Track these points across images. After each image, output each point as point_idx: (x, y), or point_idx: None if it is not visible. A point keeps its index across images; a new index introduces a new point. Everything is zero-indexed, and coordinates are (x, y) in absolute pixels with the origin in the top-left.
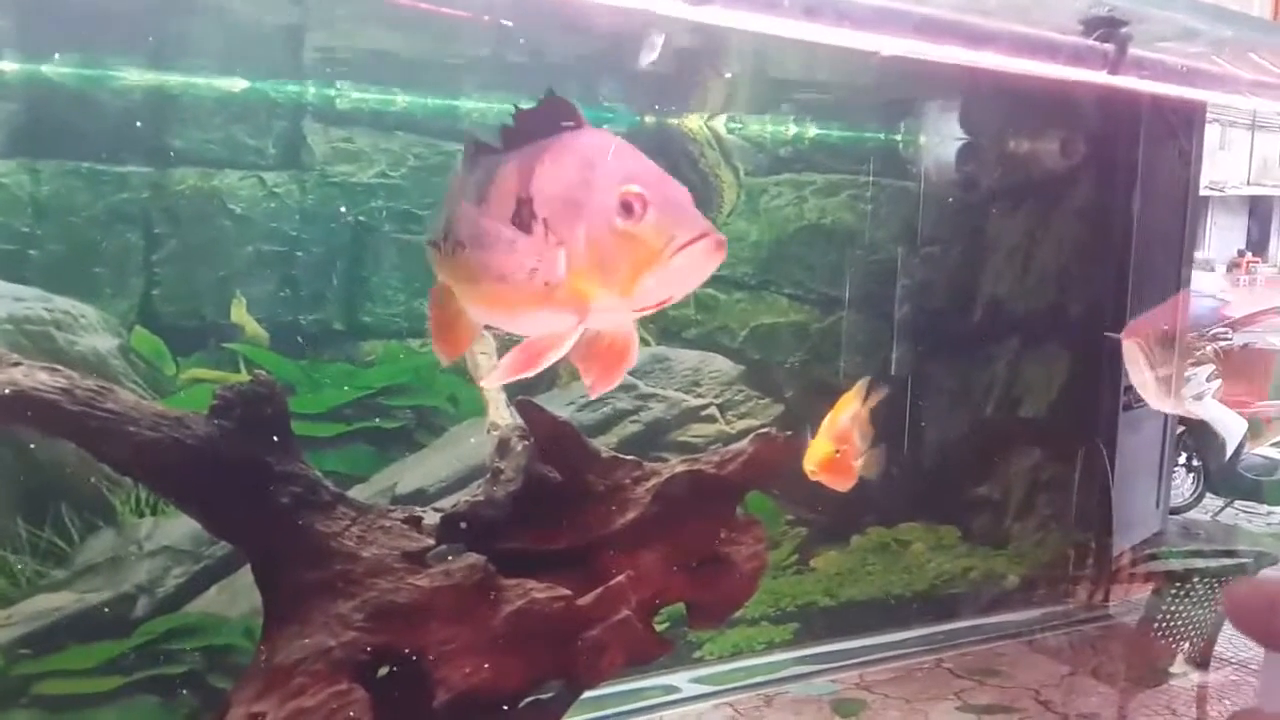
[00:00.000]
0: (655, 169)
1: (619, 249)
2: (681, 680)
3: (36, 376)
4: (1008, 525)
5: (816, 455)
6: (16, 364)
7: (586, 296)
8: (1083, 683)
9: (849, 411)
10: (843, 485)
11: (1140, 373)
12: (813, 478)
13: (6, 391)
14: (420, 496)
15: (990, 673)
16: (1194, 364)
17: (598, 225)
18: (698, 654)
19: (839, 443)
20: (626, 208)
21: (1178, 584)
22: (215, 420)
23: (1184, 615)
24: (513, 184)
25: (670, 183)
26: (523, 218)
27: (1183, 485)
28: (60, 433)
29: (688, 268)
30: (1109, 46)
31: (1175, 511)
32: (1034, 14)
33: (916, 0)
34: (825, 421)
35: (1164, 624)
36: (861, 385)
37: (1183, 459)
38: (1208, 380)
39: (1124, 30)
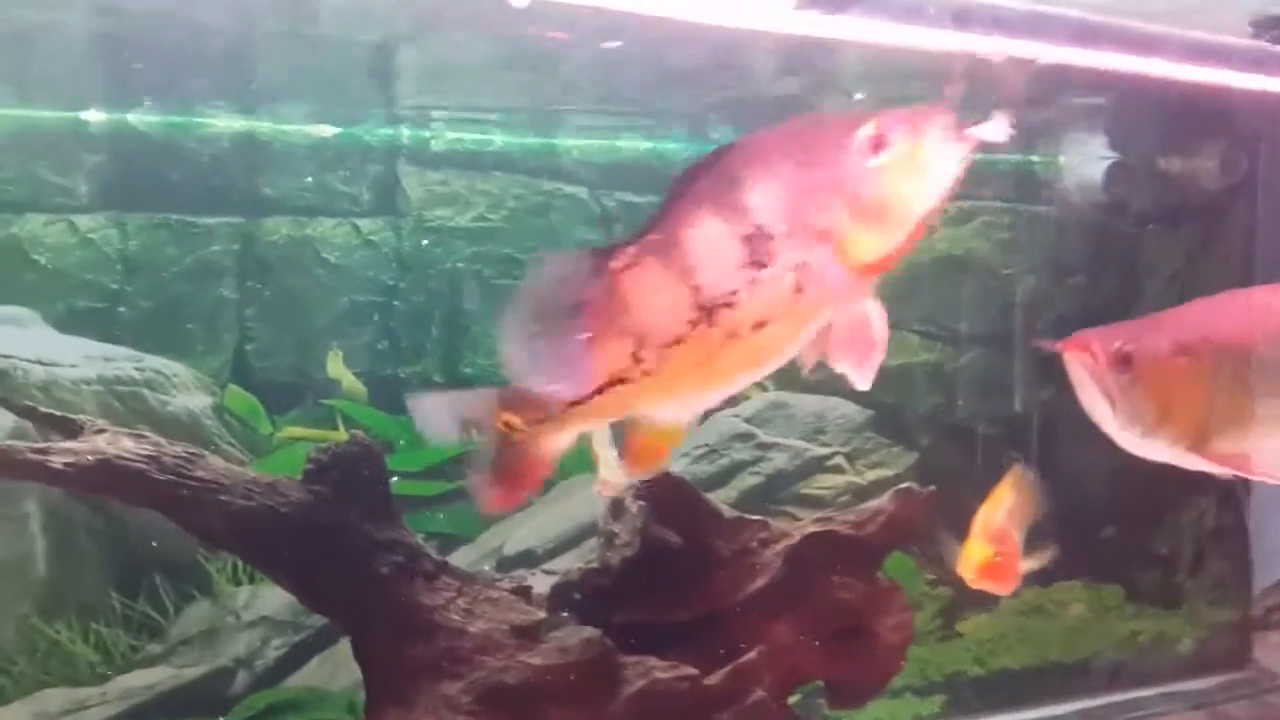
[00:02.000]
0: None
1: (886, 183)
2: None
3: (122, 444)
4: (1179, 581)
5: (973, 561)
6: (101, 430)
7: (864, 250)
8: None
9: (1004, 506)
10: (1006, 589)
11: (1090, 397)
12: (972, 586)
13: (90, 459)
14: (528, 557)
15: None
16: None
17: (849, 183)
18: None
19: (996, 544)
20: (876, 144)
21: None
22: (310, 485)
23: None
24: (723, 240)
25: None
26: (757, 253)
27: None
28: (147, 503)
29: (944, 150)
30: None
31: None
32: (1197, 18)
33: (1074, 4)
34: (978, 519)
35: None
36: (1015, 472)
37: None
38: None
39: None
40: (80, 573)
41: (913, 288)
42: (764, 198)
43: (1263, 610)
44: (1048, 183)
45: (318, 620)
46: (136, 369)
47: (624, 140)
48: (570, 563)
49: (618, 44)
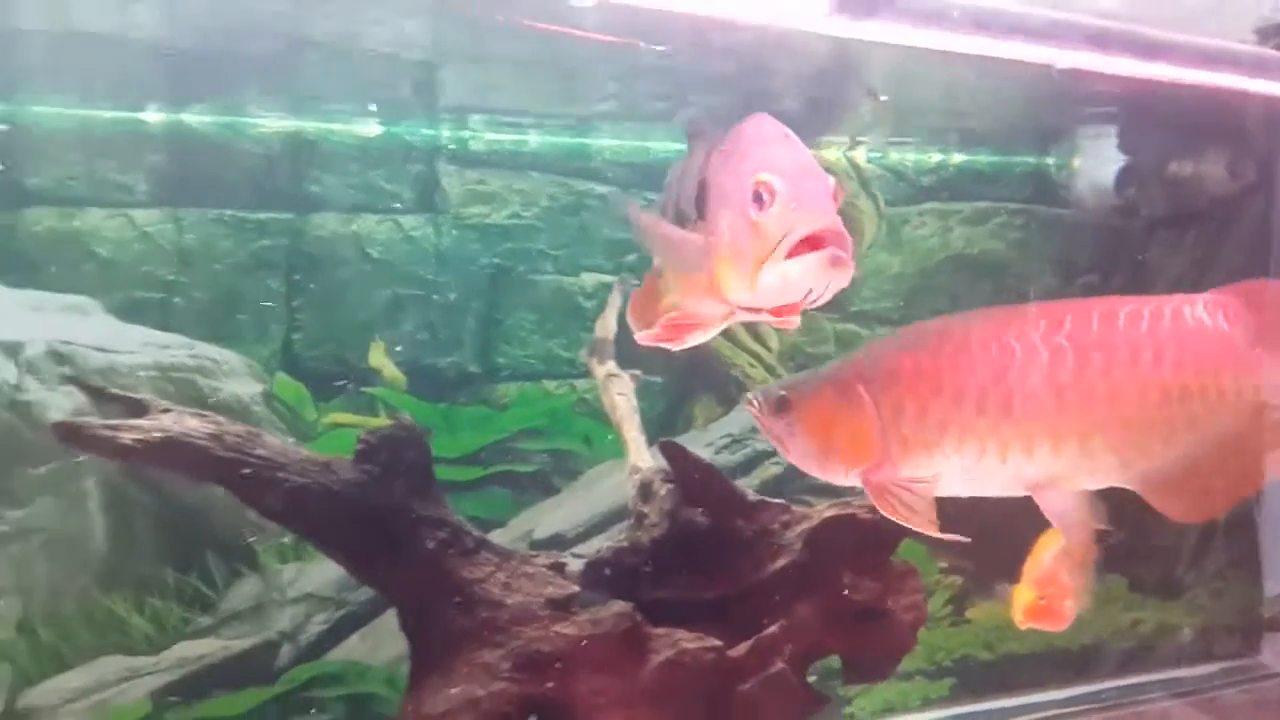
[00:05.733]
0: (799, 160)
1: (748, 239)
2: None
3: (186, 423)
4: (1181, 574)
5: (1020, 605)
6: (167, 410)
7: (724, 285)
8: None
9: (1051, 550)
10: (1056, 628)
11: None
12: (1023, 628)
13: (157, 436)
14: (558, 541)
15: None
16: None
17: (736, 213)
18: (848, 710)
19: (1042, 588)
20: (757, 197)
21: None
22: (360, 465)
23: None
24: (699, 169)
25: (811, 177)
26: (701, 204)
27: None
28: (210, 478)
29: (803, 275)
30: None
31: None
32: (1207, 23)
33: (1088, 11)
34: (1027, 563)
35: None
36: None
37: None
38: None
39: None
40: (136, 549)
41: (928, 284)
42: (712, 167)
43: (1274, 612)
44: (1062, 185)
45: (359, 597)
46: (190, 356)
47: (654, 142)
48: (597, 546)
49: (652, 47)
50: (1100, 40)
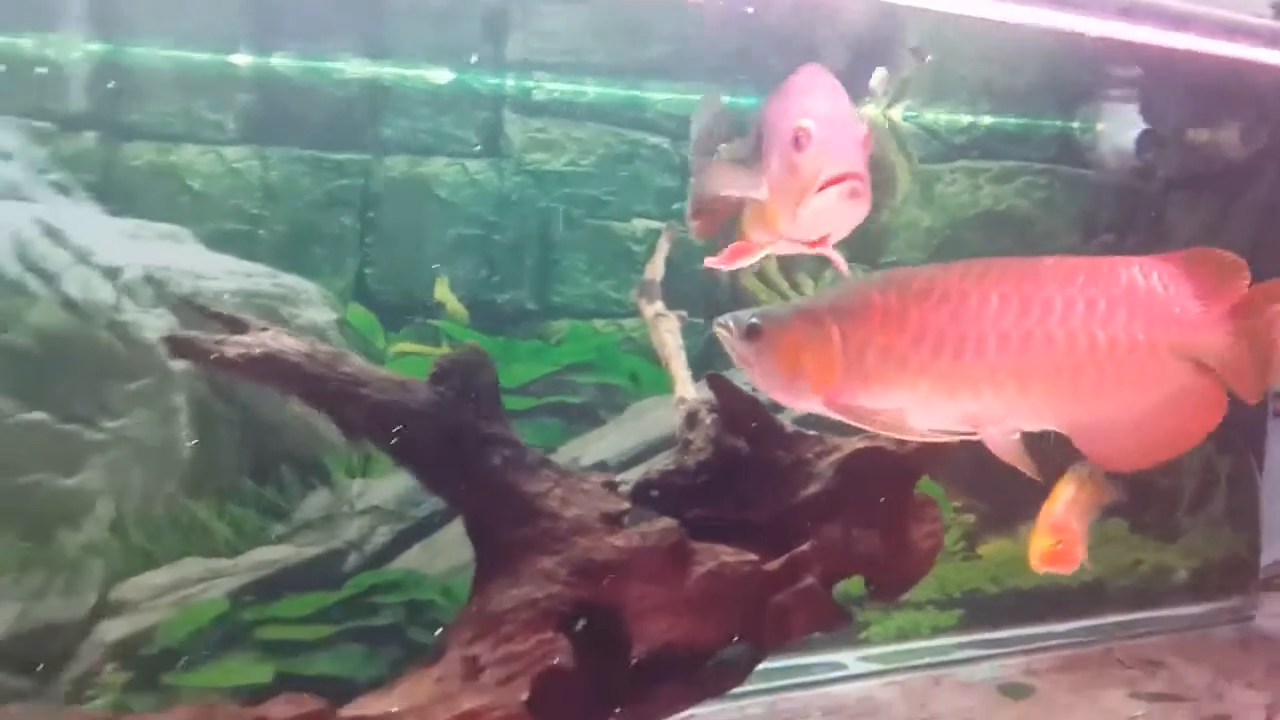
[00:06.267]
0: (838, 109)
1: (790, 178)
2: (849, 658)
3: (283, 340)
4: (1179, 519)
5: (1037, 550)
6: (265, 329)
7: (774, 219)
8: (1254, 680)
9: (1064, 499)
10: (1068, 571)
11: (740, 364)
12: (1040, 571)
13: (258, 351)
14: (601, 468)
15: (1158, 664)
16: None
17: (782, 154)
18: (863, 635)
19: (1056, 535)
20: (796, 140)
21: None
22: (434, 386)
23: None
24: (761, 115)
25: (844, 125)
26: (760, 146)
27: None
28: (301, 392)
29: (829, 208)
30: None
31: None
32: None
33: None
34: (1041, 513)
35: None
36: (1076, 470)
37: None
38: None
39: None
40: (219, 460)
41: (957, 238)
42: (767, 112)
43: (1270, 575)
44: (1086, 147)
45: (421, 511)
46: (272, 284)
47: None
48: (639, 473)
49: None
50: (1127, 11)
